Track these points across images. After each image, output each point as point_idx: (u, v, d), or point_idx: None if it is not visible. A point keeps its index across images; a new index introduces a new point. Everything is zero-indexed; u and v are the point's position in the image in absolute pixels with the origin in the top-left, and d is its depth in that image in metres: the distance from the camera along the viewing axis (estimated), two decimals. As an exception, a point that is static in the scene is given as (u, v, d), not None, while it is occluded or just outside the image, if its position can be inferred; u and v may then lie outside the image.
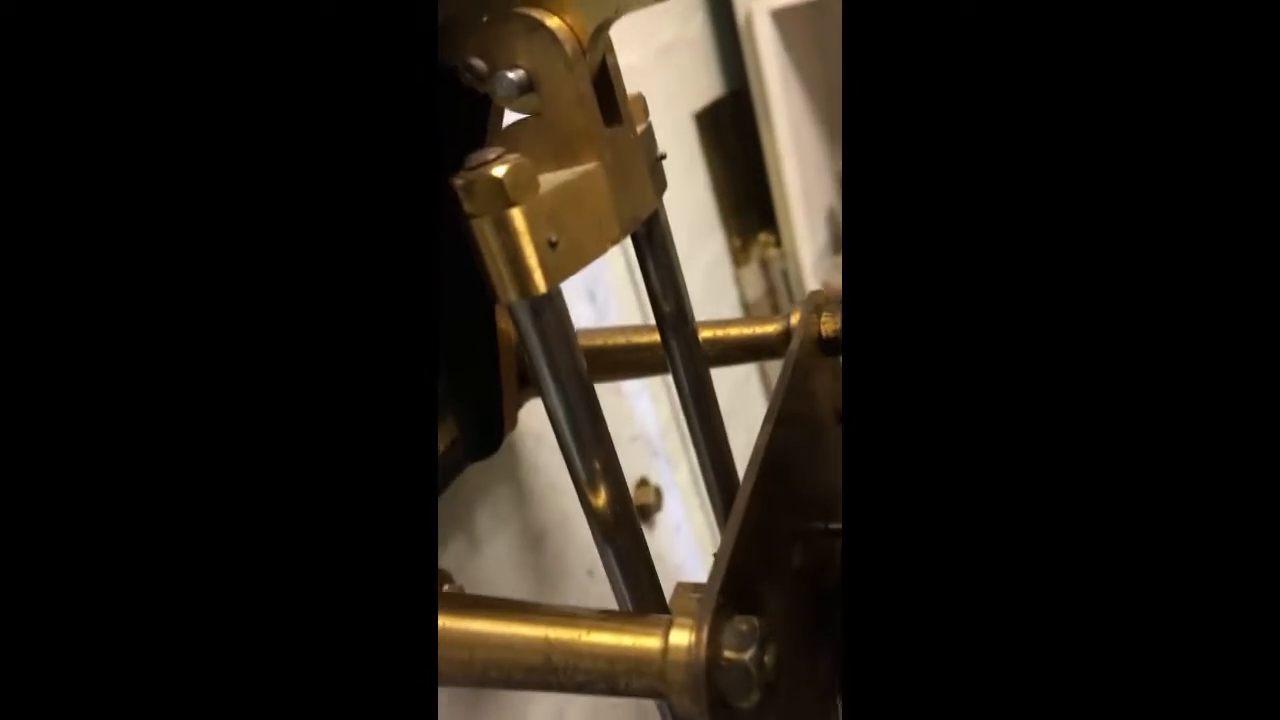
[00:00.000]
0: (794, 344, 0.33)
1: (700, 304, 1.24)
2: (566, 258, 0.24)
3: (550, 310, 0.24)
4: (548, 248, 0.23)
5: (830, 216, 1.41)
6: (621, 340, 0.39)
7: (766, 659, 0.20)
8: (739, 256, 1.31)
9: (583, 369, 0.25)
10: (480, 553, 0.46)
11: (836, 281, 1.36)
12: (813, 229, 1.30)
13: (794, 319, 0.36)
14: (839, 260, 1.35)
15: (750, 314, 1.35)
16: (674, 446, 0.69)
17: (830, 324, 0.35)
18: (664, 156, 0.31)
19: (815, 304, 0.36)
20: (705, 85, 1.22)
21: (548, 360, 0.24)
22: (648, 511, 0.65)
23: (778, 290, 1.35)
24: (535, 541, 0.49)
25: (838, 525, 0.33)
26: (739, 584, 0.22)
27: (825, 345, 0.35)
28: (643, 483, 0.66)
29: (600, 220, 0.25)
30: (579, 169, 0.25)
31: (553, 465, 0.51)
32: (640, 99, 0.29)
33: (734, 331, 0.38)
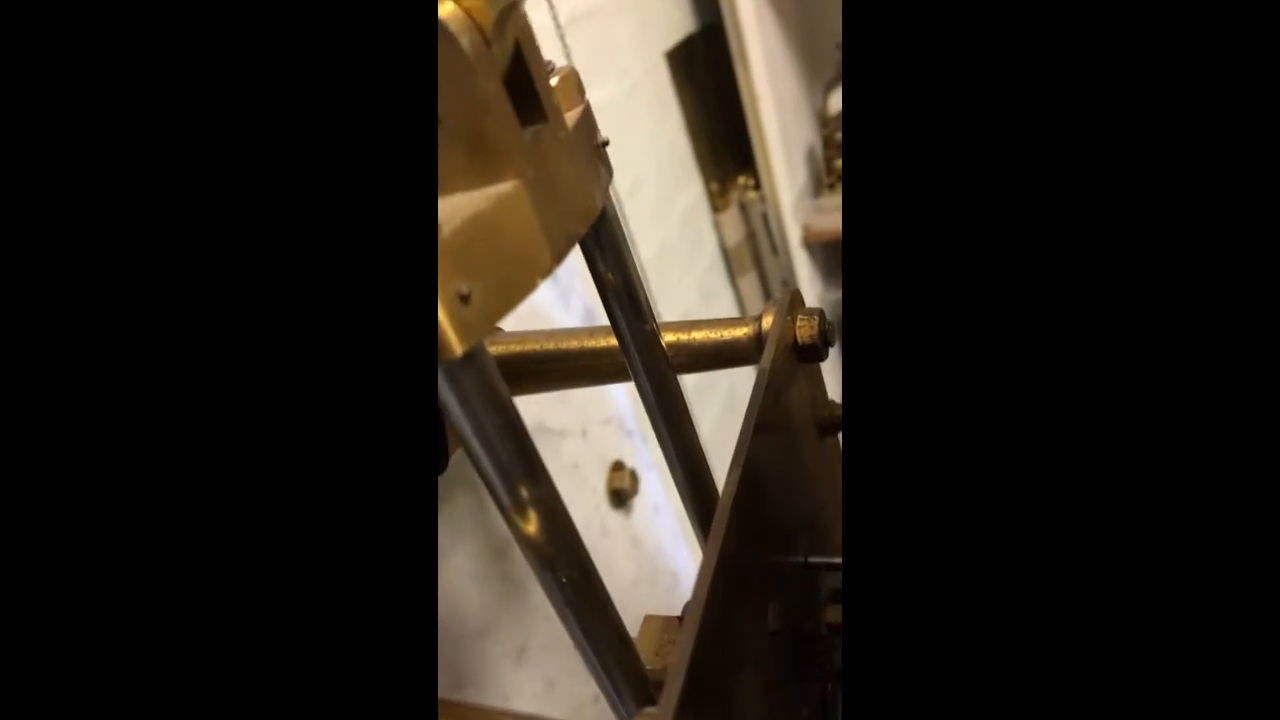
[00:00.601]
0: (767, 357, 0.29)
1: (678, 253, 1.19)
2: (485, 308, 0.20)
3: (470, 372, 0.20)
4: (458, 302, 0.19)
5: (810, 156, 1.35)
6: (575, 345, 0.35)
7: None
8: (717, 201, 1.26)
9: (518, 426, 0.22)
10: (441, 566, 0.43)
11: (816, 223, 1.31)
12: (792, 170, 1.25)
13: (766, 322, 0.32)
14: (820, 202, 1.30)
15: (731, 257, 1.30)
16: (649, 426, 0.65)
17: (806, 328, 0.32)
18: (606, 143, 0.27)
19: (788, 306, 0.32)
20: (676, 21, 1.14)
21: (472, 426, 0.20)
22: (624, 496, 0.63)
23: (758, 235, 1.31)
24: (496, 553, 0.46)
25: (819, 559, 0.30)
26: (700, 687, 0.19)
27: (802, 352, 0.32)
28: (618, 466, 0.63)
29: (526, 251, 0.21)
30: (493, 191, 0.21)
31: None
32: (571, 78, 0.25)
33: (700, 336, 0.34)
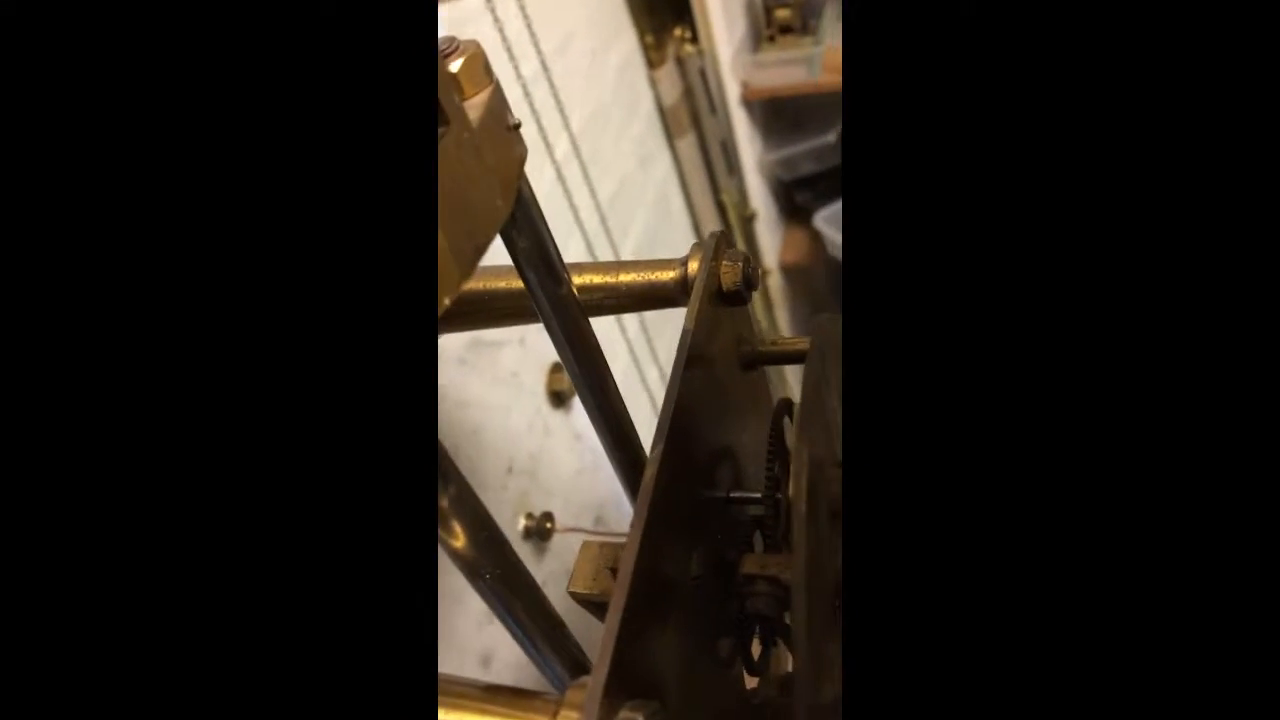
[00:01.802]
0: (690, 315, 0.30)
1: (613, 114, 1.15)
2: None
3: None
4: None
5: (749, 7, 1.28)
6: (503, 286, 0.35)
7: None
8: (652, 56, 1.20)
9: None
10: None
11: (755, 80, 1.26)
12: (730, 21, 1.19)
13: (692, 266, 0.33)
14: (759, 57, 1.25)
15: (668, 118, 1.26)
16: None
17: (730, 274, 0.32)
18: (519, 125, 0.25)
19: (713, 250, 0.32)
20: None
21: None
22: (564, 397, 0.64)
23: (696, 92, 1.26)
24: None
25: (740, 494, 0.32)
26: (628, 665, 0.21)
27: (726, 298, 0.32)
28: (557, 368, 0.64)
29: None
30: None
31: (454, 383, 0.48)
32: (476, 59, 0.23)
33: (626, 278, 0.34)
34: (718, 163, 1.31)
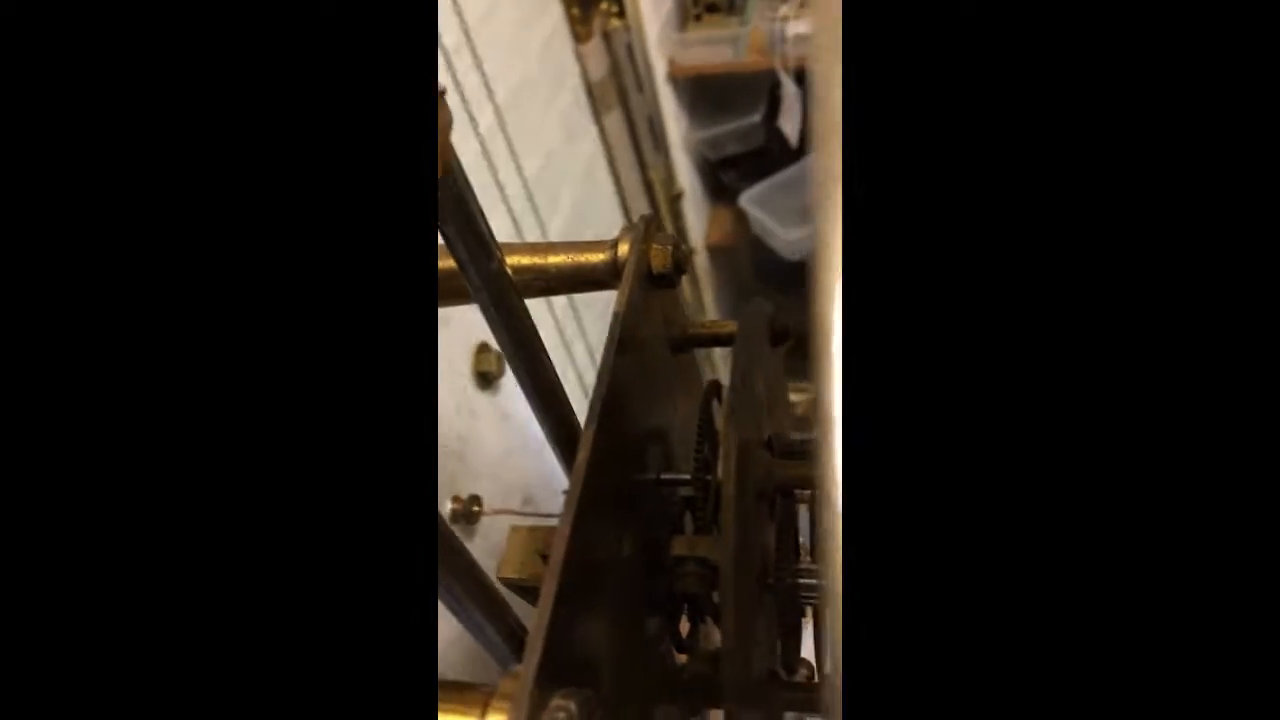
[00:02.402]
0: (621, 298, 0.30)
1: (539, 87, 1.13)
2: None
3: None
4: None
5: (677, -17, 1.27)
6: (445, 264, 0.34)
7: (587, 738, 0.20)
8: (579, 30, 1.18)
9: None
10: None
11: (682, 57, 1.26)
12: (658, -3, 1.18)
13: (622, 249, 0.33)
14: (685, 35, 1.24)
15: (595, 93, 1.25)
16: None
17: (661, 257, 0.32)
18: (444, 91, 0.25)
19: (642, 234, 0.32)
20: None
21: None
22: (490, 378, 0.63)
23: (622, 68, 1.25)
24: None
25: (670, 475, 0.32)
26: (560, 651, 0.21)
27: (656, 281, 0.32)
28: (483, 348, 0.63)
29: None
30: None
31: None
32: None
33: (556, 260, 0.33)
34: (645, 140, 1.31)
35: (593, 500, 0.24)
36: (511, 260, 0.34)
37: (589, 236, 0.34)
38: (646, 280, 0.32)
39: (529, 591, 0.35)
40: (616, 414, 0.27)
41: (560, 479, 0.77)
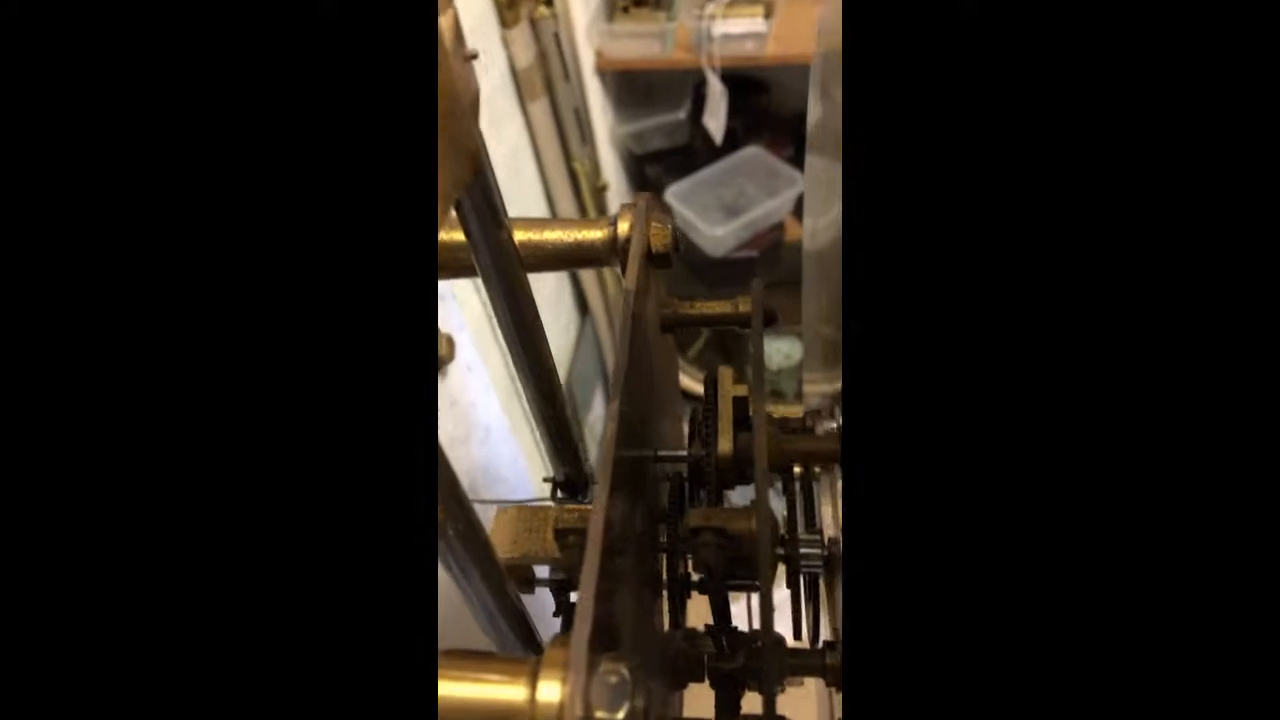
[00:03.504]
0: (633, 271, 0.30)
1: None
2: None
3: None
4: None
5: (608, -28, 1.27)
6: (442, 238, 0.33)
7: (637, 705, 0.20)
8: (505, 15, 1.16)
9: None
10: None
11: (609, 50, 1.26)
12: (588, -13, 1.17)
13: (622, 226, 0.33)
14: (614, 27, 1.25)
15: (521, 80, 1.23)
16: (461, 285, 0.63)
17: (660, 236, 0.32)
18: (476, 55, 0.24)
19: (643, 212, 0.32)
20: None
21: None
22: (441, 363, 0.61)
23: (550, 57, 1.23)
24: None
25: (666, 452, 0.33)
26: (601, 620, 0.21)
27: (655, 260, 0.33)
28: (430, 330, 0.61)
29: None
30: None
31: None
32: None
33: (552, 236, 0.33)
34: (570, 131, 1.30)
35: (621, 473, 0.25)
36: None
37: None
38: (646, 259, 0.32)
39: (519, 569, 0.35)
40: (630, 390, 0.28)
41: (501, 468, 0.76)
